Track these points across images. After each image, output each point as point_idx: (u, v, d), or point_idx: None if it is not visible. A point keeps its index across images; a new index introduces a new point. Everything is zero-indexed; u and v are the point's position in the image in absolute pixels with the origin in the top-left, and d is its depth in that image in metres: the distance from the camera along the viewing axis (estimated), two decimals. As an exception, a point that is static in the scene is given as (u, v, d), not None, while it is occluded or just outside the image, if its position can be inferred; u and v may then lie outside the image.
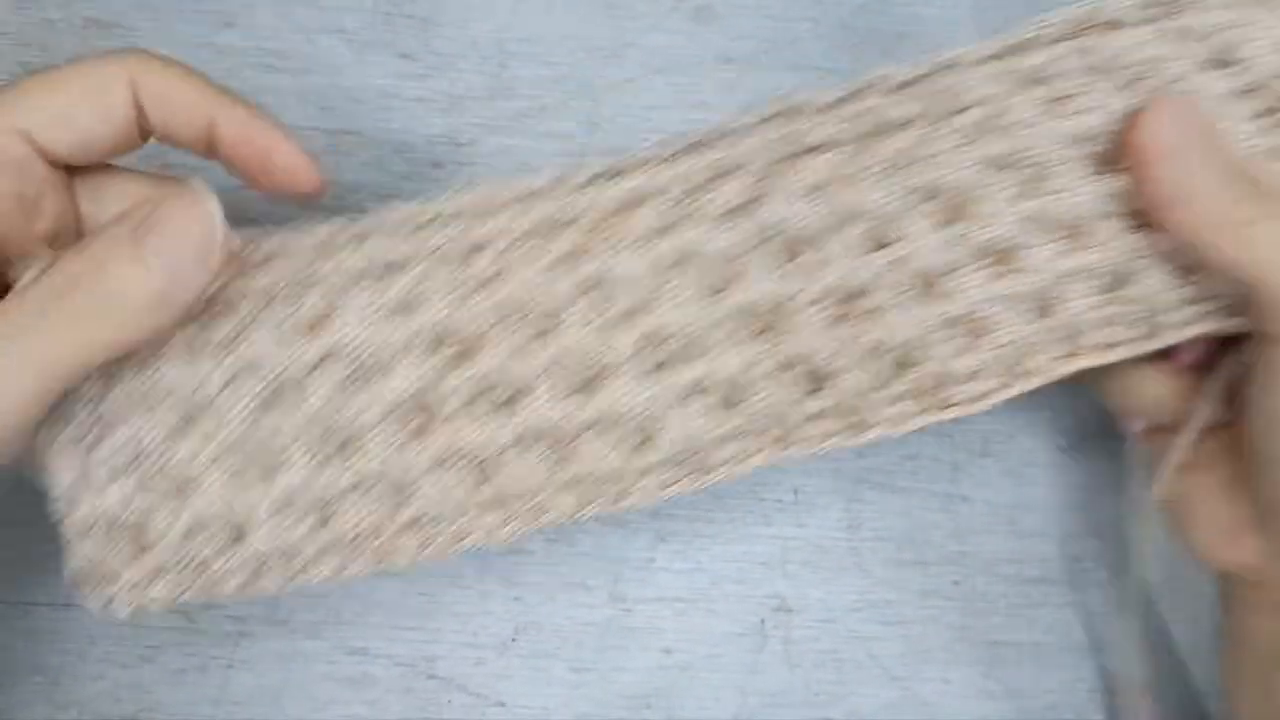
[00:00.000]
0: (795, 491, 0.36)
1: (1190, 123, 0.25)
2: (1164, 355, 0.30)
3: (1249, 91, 0.26)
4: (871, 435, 0.26)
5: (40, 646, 0.34)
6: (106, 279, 0.23)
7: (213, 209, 0.24)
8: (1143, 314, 0.26)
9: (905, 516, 0.36)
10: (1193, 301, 0.26)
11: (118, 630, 0.34)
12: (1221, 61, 0.26)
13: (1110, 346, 0.26)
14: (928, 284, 0.25)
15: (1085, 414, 0.37)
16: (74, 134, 0.25)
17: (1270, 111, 0.26)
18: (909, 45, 0.38)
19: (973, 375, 0.26)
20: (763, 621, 0.35)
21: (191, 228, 0.24)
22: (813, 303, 0.25)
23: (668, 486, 0.26)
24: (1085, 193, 0.25)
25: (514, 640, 0.35)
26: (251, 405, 0.24)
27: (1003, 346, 0.26)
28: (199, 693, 0.34)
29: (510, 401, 0.25)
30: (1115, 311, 0.26)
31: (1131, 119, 0.25)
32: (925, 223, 0.25)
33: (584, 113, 0.37)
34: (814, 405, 0.26)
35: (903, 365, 0.26)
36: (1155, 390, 0.30)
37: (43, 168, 0.26)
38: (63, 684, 0.34)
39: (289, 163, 0.26)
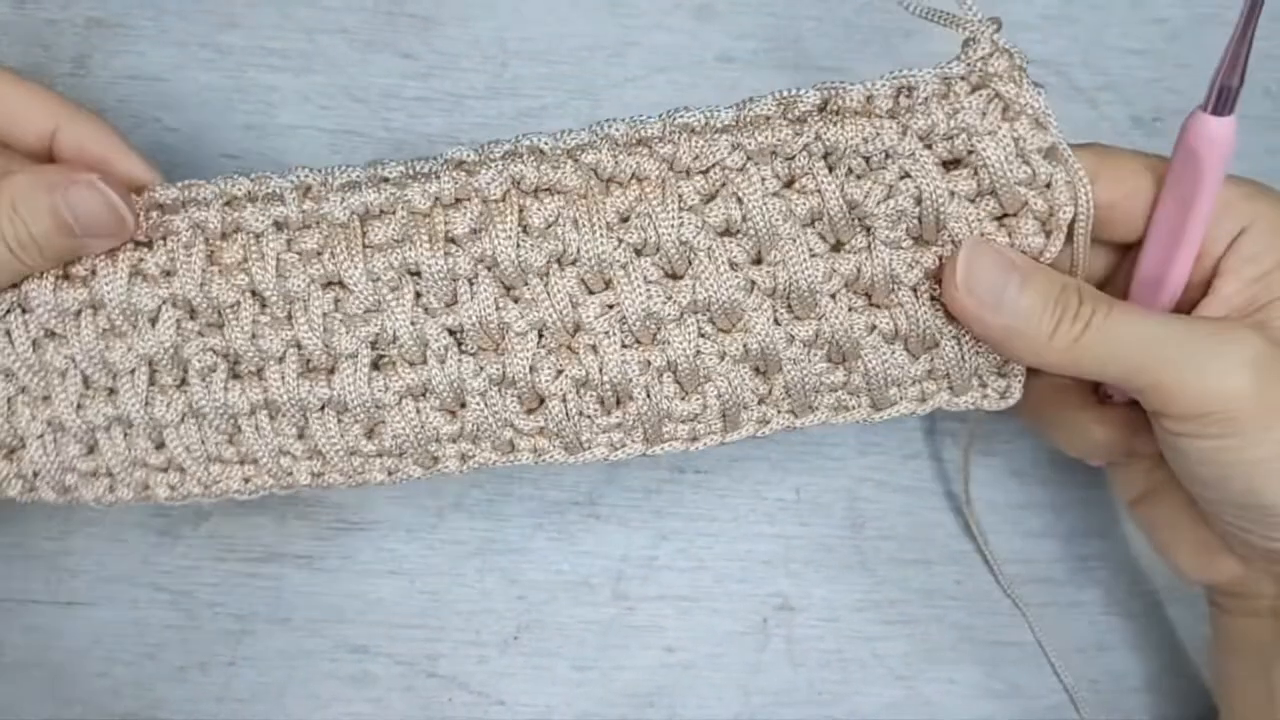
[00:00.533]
0: (798, 490, 0.36)
1: (994, 263, 0.27)
2: (1099, 397, 0.31)
3: (983, 194, 0.27)
4: (585, 457, 0.29)
5: (43, 644, 0.34)
6: (20, 199, 0.26)
7: (123, 210, 0.27)
8: (862, 386, 0.29)
9: (908, 516, 0.36)
10: (920, 379, 0.29)
11: (120, 628, 0.34)
12: (955, 162, 0.27)
13: (837, 410, 0.29)
14: (645, 330, 0.28)
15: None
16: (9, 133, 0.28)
17: (1003, 216, 0.27)
18: (912, 44, 0.38)
19: (692, 418, 0.29)
20: (765, 620, 0.35)
21: (98, 199, 0.27)
22: (521, 334, 0.27)
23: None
24: (809, 267, 0.27)
25: (516, 639, 0.35)
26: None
27: (719, 397, 0.28)
28: (202, 690, 0.34)
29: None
30: (837, 380, 0.29)
31: (943, 269, 0.27)
32: (640, 276, 0.27)
33: (585, 112, 0.37)
34: (530, 424, 0.28)
35: (618, 400, 0.28)
36: (1097, 433, 0.31)
37: None
38: (66, 681, 0.34)
39: (127, 171, 0.28)
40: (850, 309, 0.28)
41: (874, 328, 0.28)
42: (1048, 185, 0.27)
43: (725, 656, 0.35)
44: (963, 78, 0.26)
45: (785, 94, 0.26)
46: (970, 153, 0.26)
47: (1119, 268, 0.29)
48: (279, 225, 0.27)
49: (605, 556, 0.35)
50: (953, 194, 0.27)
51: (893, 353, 0.28)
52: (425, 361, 0.28)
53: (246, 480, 0.29)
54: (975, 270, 0.27)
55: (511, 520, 0.35)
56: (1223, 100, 0.24)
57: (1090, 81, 0.38)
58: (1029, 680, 0.35)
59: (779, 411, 0.29)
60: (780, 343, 0.28)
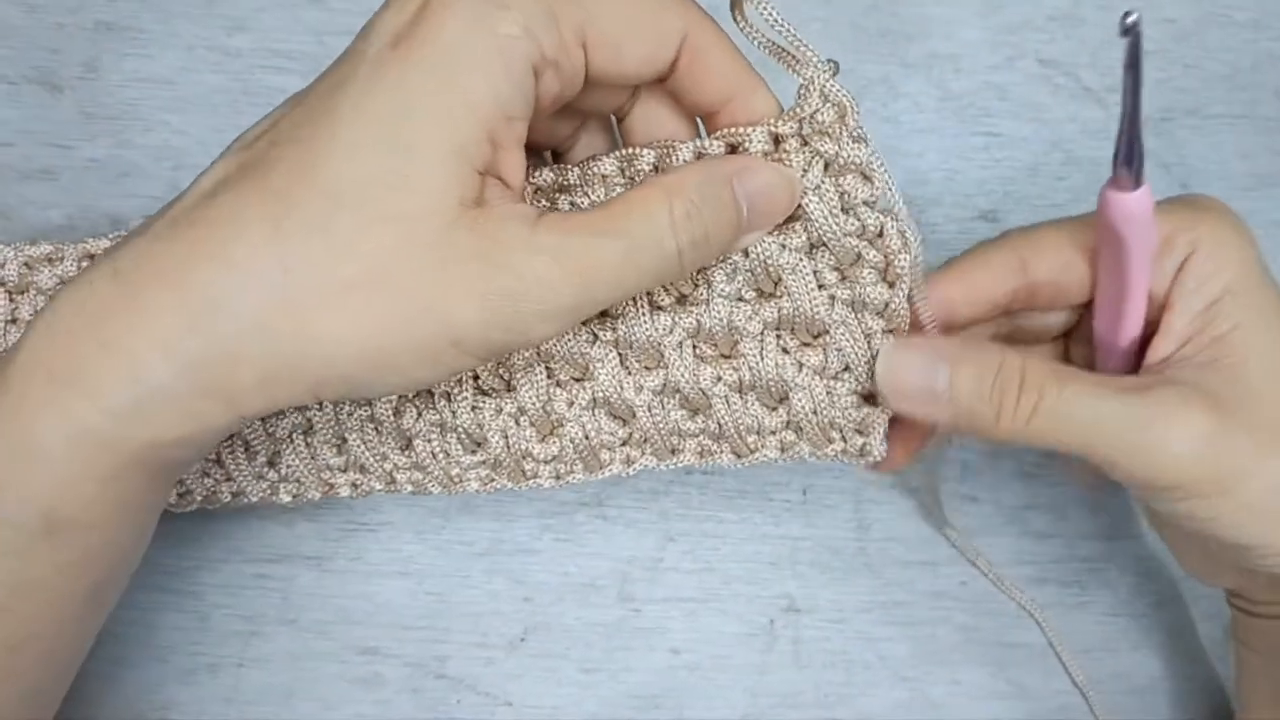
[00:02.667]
0: (804, 492, 0.36)
1: (915, 362, 0.27)
2: None
3: (816, 247, 0.27)
4: (531, 484, 0.30)
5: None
6: (704, 203, 0.25)
7: (798, 185, 0.26)
8: (718, 434, 0.29)
9: (915, 517, 0.36)
10: (779, 430, 0.29)
11: (129, 629, 0.34)
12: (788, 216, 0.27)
13: (701, 455, 0.30)
14: (498, 381, 0.29)
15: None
16: (616, 65, 0.25)
17: (840, 267, 0.28)
18: (916, 45, 0.38)
19: (553, 459, 0.30)
20: (772, 622, 0.35)
21: (776, 182, 0.26)
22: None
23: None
24: (646, 322, 0.28)
25: (523, 640, 0.35)
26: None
27: (573, 441, 0.29)
28: (210, 691, 0.34)
29: None
30: (694, 427, 0.29)
31: (878, 364, 0.27)
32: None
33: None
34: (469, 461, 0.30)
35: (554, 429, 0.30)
36: (1076, 469, 0.31)
37: (580, 84, 0.25)
38: (75, 683, 0.34)
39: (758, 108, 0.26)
40: (698, 359, 0.29)
41: (719, 379, 0.29)
42: (879, 234, 0.27)
43: (731, 658, 0.35)
44: (791, 135, 0.26)
45: (625, 153, 0.27)
46: (799, 208, 0.26)
47: (1084, 319, 0.29)
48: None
49: (612, 558, 0.35)
50: (784, 247, 0.27)
51: (745, 403, 0.29)
52: (307, 405, 0.29)
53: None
54: (896, 375, 0.27)
55: (519, 522, 0.35)
56: (1131, 176, 0.25)
57: (1099, 82, 0.38)
58: (1035, 681, 0.35)
59: (643, 453, 0.30)
60: (629, 392, 0.29)
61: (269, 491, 0.31)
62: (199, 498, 0.31)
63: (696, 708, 0.35)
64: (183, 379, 0.23)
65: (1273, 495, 0.25)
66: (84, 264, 0.31)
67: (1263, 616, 0.30)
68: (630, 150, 0.27)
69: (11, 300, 0.30)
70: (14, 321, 0.30)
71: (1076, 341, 0.30)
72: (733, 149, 0.26)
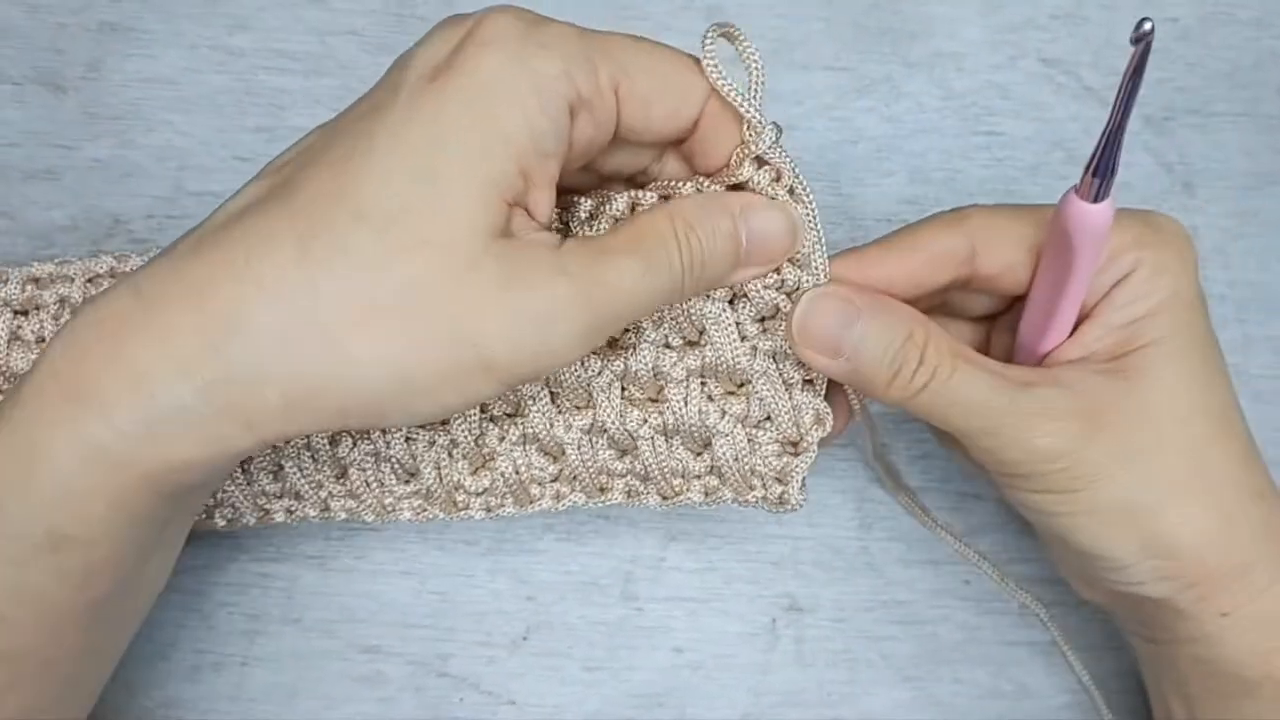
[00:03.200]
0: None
1: (833, 309, 0.27)
2: None
3: (738, 298, 0.28)
4: (462, 515, 0.31)
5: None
6: (703, 232, 0.25)
7: (797, 226, 0.27)
8: (644, 475, 0.30)
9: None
10: (703, 475, 0.30)
11: (134, 628, 0.34)
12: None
13: (629, 495, 0.31)
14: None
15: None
16: (645, 117, 0.25)
17: (760, 318, 0.28)
18: (918, 44, 0.38)
19: (483, 491, 0.30)
20: (774, 621, 0.35)
21: (780, 225, 0.26)
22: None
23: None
24: (577, 367, 0.28)
25: (526, 639, 0.35)
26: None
27: (503, 475, 0.30)
28: (215, 689, 0.34)
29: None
30: (621, 467, 0.30)
31: (798, 306, 0.27)
32: None
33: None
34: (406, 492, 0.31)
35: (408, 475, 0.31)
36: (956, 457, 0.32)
37: (611, 132, 0.25)
38: (80, 681, 0.34)
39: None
40: (625, 402, 0.29)
41: (645, 421, 0.29)
42: (798, 286, 0.27)
43: (734, 657, 0.35)
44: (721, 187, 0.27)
45: (633, 193, 0.27)
46: None
47: (1013, 309, 0.30)
48: None
49: (615, 557, 0.35)
50: (708, 297, 0.27)
51: (670, 447, 0.29)
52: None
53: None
54: (810, 321, 0.27)
55: (521, 522, 0.35)
56: (1099, 187, 0.24)
57: (1101, 81, 0.38)
58: (1037, 680, 0.35)
59: (572, 490, 0.31)
60: (559, 430, 0.29)
61: (204, 515, 0.31)
62: None
63: (699, 707, 0.35)
64: (201, 399, 0.23)
65: (1120, 505, 0.26)
66: (90, 283, 0.31)
67: (1130, 634, 0.31)
68: (637, 191, 0.27)
69: (15, 318, 0.30)
70: (17, 339, 0.30)
71: (999, 330, 0.31)
72: (664, 198, 0.27)
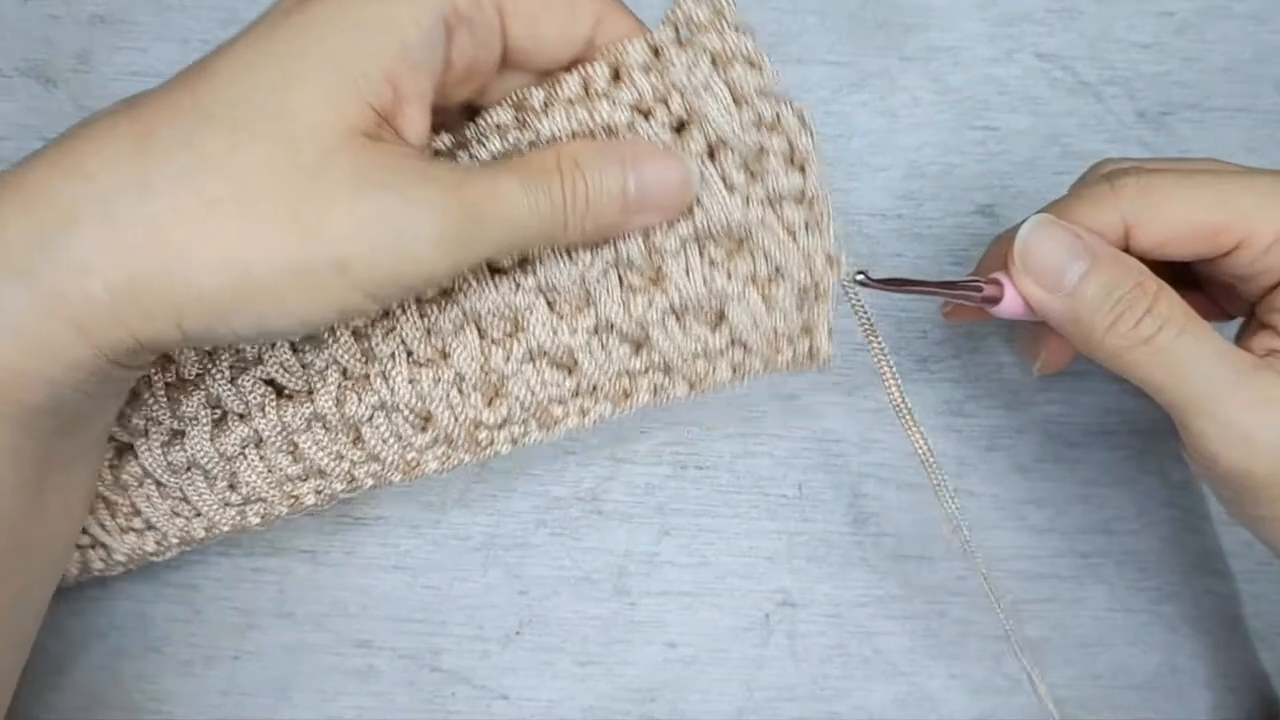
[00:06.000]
0: (800, 487, 0.36)
1: (1060, 243, 0.26)
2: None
3: (717, 148, 0.27)
4: (489, 454, 0.30)
5: (49, 637, 0.34)
6: (591, 181, 0.24)
7: (694, 176, 0.26)
8: (665, 366, 0.29)
9: (911, 512, 0.36)
10: (725, 350, 0.29)
11: (126, 621, 0.34)
12: (683, 124, 0.27)
13: (655, 393, 0.29)
14: (430, 349, 0.28)
15: (1093, 410, 0.36)
16: (533, 37, 0.25)
17: (746, 164, 0.27)
18: (914, 36, 0.38)
19: (501, 423, 0.29)
20: (768, 616, 0.35)
21: (673, 177, 0.26)
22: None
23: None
24: (563, 264, 0.27)
25: (519, 633, 0.35)
26: None
27: (519, 400, 0.29)
28: (206, 683, 0.34)
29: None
30: (638, 365, 0.29)
31: (1024, 228, 0.27)
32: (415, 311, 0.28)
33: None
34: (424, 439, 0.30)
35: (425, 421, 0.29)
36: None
37: (496, 53, 0.25)
38: (72, 674, 0.34)
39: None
40: (626, 290, 0.28)
41: (651, 304, 0.28)
42: (777, 121, 0.26)
43: (728, 652, 0.35)
44: (672, 41, 0.26)
45: (515, 96, 0.26)
46: (691, 110, 0.26)
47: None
48: None
49: (608, 552, 0.35)
50: (685, 153, 0.26)
51: (684, 328, 0.28)
52: (250, 413, 0.29)
53: (158, 544, 0.30)
54: (1035, 248, 0.26)
55: (514, 516, 0.35)
56: (981, 297, 0.26)
57: (1096, 76, 0.38)
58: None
59: (596, 402, 0.29)
60: (564, 335, 0.28)
61: (238, 517, 0.30)
62: (175, 540, 0.30)
63: (693, 701, 0.35)
64: (27, 300, 0.21)
65: None
66: None
67: None
68: (520, 93, 0.26)
69: None
70: None
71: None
72: (615, 72, 0.26)
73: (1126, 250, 0.27)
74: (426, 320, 0.28)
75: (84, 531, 0.30)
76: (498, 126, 0.27)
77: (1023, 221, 0.27)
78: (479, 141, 0.27)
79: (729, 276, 0.27)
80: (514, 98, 0.26)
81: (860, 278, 0.28)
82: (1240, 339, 0.28)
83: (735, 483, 0.36)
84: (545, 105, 0.26)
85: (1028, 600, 0.35)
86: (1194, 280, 0.29)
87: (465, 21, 0.23)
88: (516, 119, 0.27)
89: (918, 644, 0.35)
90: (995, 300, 0.28)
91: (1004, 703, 0.35)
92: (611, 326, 0.28)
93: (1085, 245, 0.26)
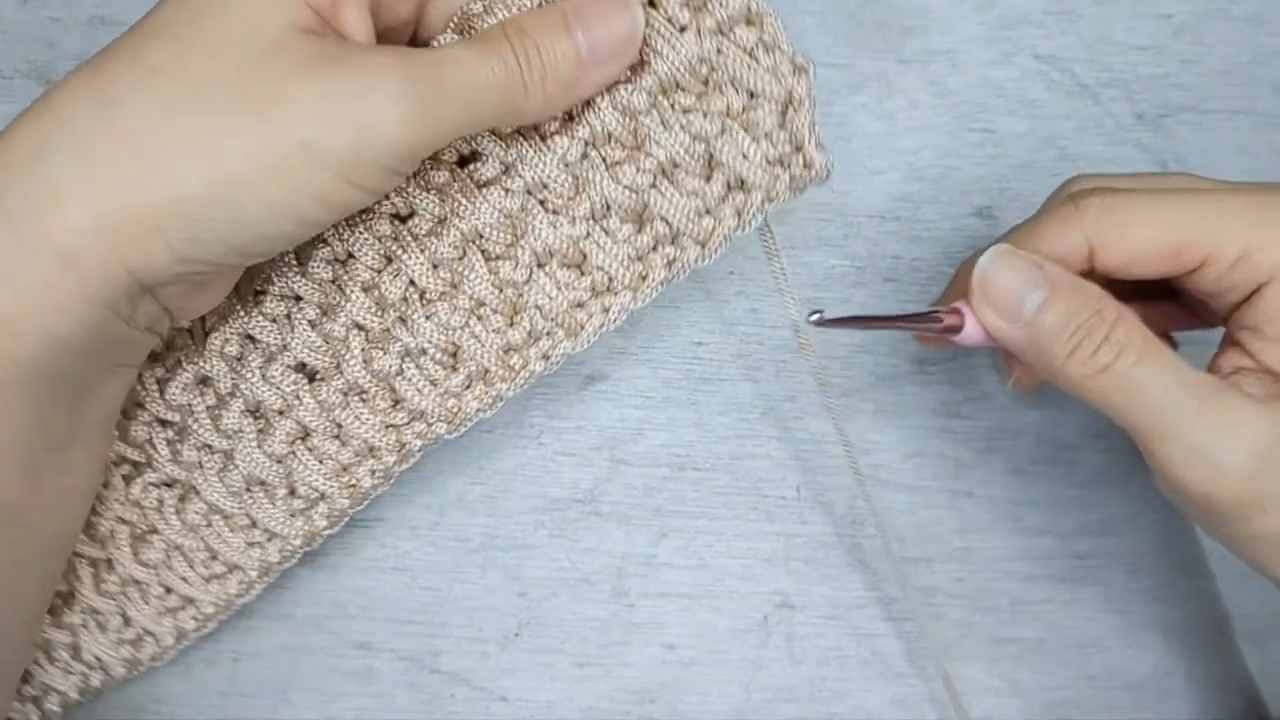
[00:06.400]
0: (798, 488, 0.36)
1: (1017, 273, 0.26)
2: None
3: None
4: (524, 377, 0.30)
5: (50, 639, 0.34)
6: (541, 43, 0.25)
7: (639, 16, 0.26)
8: (671, 234, 0.29)
9: (909, 514, 0.36)
10: (726, 196, 0.29)
11: (126, 624, 0.34)
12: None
13: (669, 265, 0.29)
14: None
15: (1088, 412, 0.36)
16: None
17: (687, 3, 0.27)
18: (913, 39, 0.38)
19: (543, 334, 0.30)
20: (766, 618, 0.35)
21: (618, 28, 0.26)
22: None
23: None
24: (543, 157, 0.28)
25: (518, 635, 0.35)
26: None
27: (539, 309, 0.29)
28: (206, 684, 0.34)
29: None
30: (645, 242, 0.29)
31: (981, 259, 0.27)
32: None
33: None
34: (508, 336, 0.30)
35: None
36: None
37: None
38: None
39: None
40: (611, 166, 0.28)
41: (640, 170, 0.28)
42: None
43: (726, 653, 0.35)
44: None
45: (459, 14, 0.27)
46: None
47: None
48: (153, 359, 0.29)
49: (606, 554, 0.35)
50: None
51: (678, 185, 0.28)
52: (289, 406, 0.29)
53: (240, 583, 0.31)
54: (993, 278, 0.26)
55: (513, 517, 0.35)
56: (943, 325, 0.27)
57: (1095, 78, 0.38)
58: (1029, 678, 0.35)
59: (616, 294, 0.29)
60: (565, 227, 0.28)
61: (306, 524, 0.30)
62: (255, 574, 0.31)
63: (691, 703, 0.35)
64: (13, 244, 0.22)
65: None
66: None
67: None
68: (460, 11, 0.27)
69: None
70: None
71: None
72: None
73: (1092, 270, 0.27)
74: (428, 253, 0.28)
75: (169, 592, 0.31)
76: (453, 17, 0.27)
77: (984, 250, 0.27)
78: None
79: (705, 116, 0.28)
80: (456, 18, 0.27)
81: (816, 318, 0.28)
82: (1217, 354, 0.28)
83: (733, 484, 0.36)
84: (486, 8, 0.27)
85: (1025, 601, 0.35)
86: (1173, 291, 0.29)
87: None
88: (465, 35, 0.27)
89: (915, 646, 0.35)
90: (956, 329, 0.28)
91: (1000, 704, 0.35)
92: (609, 207, 0.28)
93: (1044, 274, 0.26)
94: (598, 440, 0.36)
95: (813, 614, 0.35)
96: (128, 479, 0.30)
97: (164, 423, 0.30)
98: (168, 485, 0.30)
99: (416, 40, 0.28)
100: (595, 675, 0.35)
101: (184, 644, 0.32)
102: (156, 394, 0.29)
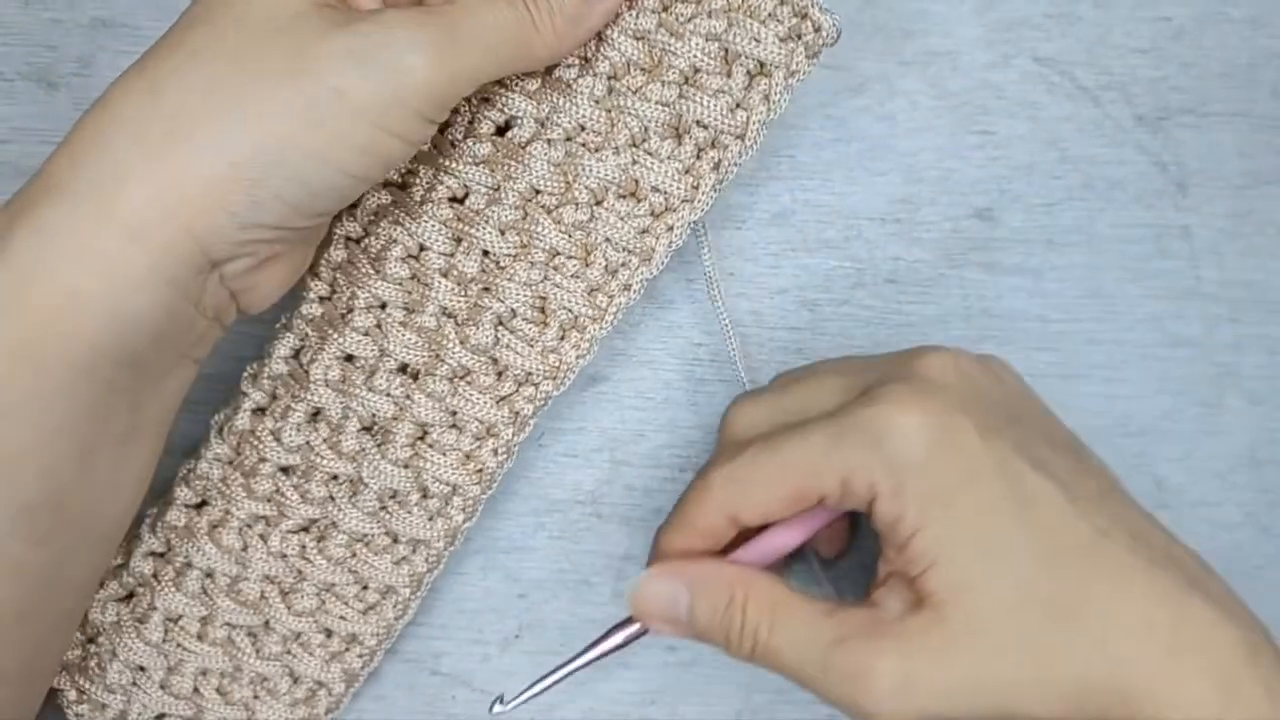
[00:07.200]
0: (799, 490, 0.36)
1: (662, 586, 0.28)
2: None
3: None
4: (610, 320, 0.31)
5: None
6: None
7: None
8: (712, 138, 0.30)
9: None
10: (751, 81, 0.30)
11: (126, 625, 0.34)
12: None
13: (718, 167, 0.30)
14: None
15: (1086, 412, 0.36)
16: None
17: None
18: (912, 41, 0.38)
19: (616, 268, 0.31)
20: (766, 619, 0.35)
21: None
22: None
23: None
24: (579, 104, 0.30)
25: (518, 637, 0.35)
26: None
27: (608, 241, 0.30)
28: (207, 687, 0.34)
29: None
30: (687, 152, 0.30)
31: (629, 591, 0.29)
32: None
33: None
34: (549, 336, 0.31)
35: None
36: None
37: None
38: (72, 678, 0.34)
39: None
40: (633, 91, 0.30)
41: (664, 84, 0.29)
42: None
43: (726, 656, 0.35)
44: None
45: None
46: None
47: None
48: (258, 412, 0.31)
49: (607, 555, 0.35)
50: None
51: (706, 88, 0.30)
52: (402, 409, 0.30)
53: (395, 605, 0.32)
54: (647, 599, 0.28)
55: (513, 519, 0.35)
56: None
57: (1094, 80, 0.38)
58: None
59: (673, 211, 0.30)
60: (611, 159, 0.29)
61: (445, 523, 0.31)
62: (407, 593, 0.32)
63: (692, 704, 0.35)
64: (78, 216, 0.23)
65: None
66: None
67: None
68: None
69: None
70: None
71: None
72: None
73: (743, 531, 0.28)
74: (494, 222, 0.30)
75: (330, 635, 0.31)
76: None
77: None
78: None
79: (710, 15, 0.29)
80: None
81: (497, 710, 0.30)
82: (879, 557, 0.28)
83: (734, 486, 0.36)
84: None
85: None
86: None
87: None
88: None
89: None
90: (642, 633, 0.30)
91: (1002, 706, 0.35)
92: (646, 129, 0.30)
93: (684, 578, 0.28)
94: (599, 442, 0.36)
95: (813, 616, 0.35)
96: (264, 536, 0.30)
97: (287, 469, 0.31)
98: (304, 529, 0.31)
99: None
100: (596, 677, 0.35)
101: (354, 688, 0.32)
102: (273, 443, 0.30)
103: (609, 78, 0.29)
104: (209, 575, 0.30)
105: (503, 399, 0.31)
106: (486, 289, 0.30)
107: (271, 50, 0.24)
